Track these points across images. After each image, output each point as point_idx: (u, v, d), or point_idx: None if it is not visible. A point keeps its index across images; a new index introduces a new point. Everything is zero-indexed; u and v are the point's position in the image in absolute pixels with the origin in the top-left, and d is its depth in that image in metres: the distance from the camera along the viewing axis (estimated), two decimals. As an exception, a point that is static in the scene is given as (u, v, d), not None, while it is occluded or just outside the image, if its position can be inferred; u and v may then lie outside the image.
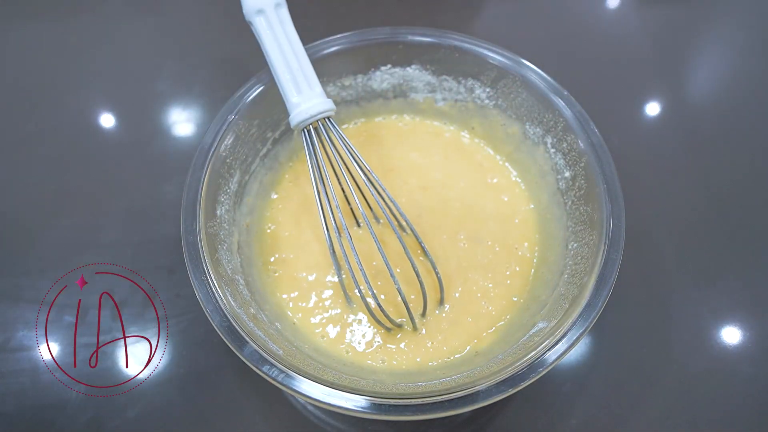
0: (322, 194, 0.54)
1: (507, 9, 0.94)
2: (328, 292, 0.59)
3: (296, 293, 0.59)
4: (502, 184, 0.67)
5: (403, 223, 0.58)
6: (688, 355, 0.60)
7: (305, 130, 0.56)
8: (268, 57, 0.56)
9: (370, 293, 0.53)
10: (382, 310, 0.54)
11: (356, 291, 0.56)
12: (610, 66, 0.86)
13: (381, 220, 0.64)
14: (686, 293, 0.64)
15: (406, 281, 0.58)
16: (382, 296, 0.58)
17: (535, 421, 0.57)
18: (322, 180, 0.54)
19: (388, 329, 0.56)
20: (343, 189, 0.61)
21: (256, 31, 0.56)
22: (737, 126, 0.78)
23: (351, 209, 0.63)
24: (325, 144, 0.56)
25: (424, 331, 0.57)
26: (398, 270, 0.59)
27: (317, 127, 0.55)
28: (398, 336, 0.57)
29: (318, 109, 0.54)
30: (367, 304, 0.55)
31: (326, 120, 0.56)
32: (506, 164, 0.69)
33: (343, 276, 0.58)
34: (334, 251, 0.55)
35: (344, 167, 0.57)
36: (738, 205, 0.71)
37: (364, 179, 0.56)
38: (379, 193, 0.57)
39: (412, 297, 0.57)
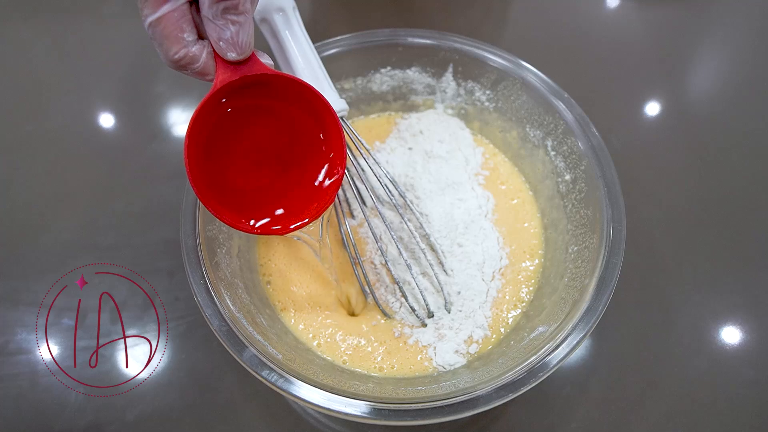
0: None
1: (506, 10, 0.93)
2: (327, 295, 0.59)
3: (295, 295, 0.59)
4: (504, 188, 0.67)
5: (414, 220, 0.59)
6: (688, 358, 0.60)
7: None
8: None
9: (392, 277, 0.54)
10: (406, 296, 0.54)
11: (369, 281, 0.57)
12: (610, 67, 0.86)
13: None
14: (687, 296, 0.64)
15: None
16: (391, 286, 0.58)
17: (536, 424, 0.57)
18: None
19: (423, 321, 0.57)
20: (356, 184, 0.62)
21: None
22: (738, 127, 0.78)
23: (361, 201, 0.63)
24: None
25: (425, 332, 0.57)
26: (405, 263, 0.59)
27: None
28: (400, 338, 0.56)
29: None
30: (375, 297, 0.56)
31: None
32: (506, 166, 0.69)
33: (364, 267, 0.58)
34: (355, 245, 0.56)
35: (357, 165, 0.57)
36: (738, 207, 0.71)
37: (376, 176, 0.56)
38: (390, 191, 0.57)
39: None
